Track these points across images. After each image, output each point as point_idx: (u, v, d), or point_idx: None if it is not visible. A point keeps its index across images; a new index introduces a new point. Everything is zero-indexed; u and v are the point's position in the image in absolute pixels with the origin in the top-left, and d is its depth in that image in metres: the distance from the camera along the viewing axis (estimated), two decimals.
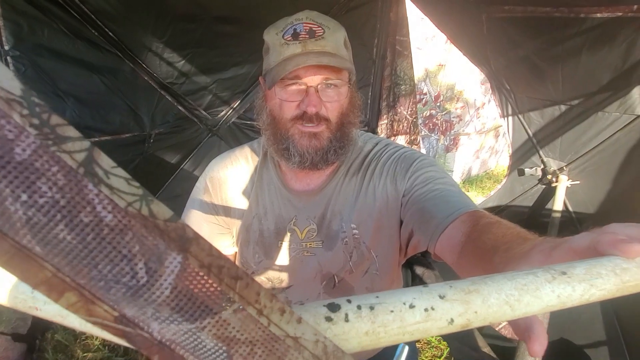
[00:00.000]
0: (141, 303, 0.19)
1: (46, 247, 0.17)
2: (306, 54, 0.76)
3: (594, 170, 1.81)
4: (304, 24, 0.78)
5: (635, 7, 1.29)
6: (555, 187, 1.95)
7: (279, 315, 0.21)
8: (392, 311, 0.25)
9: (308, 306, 0.24)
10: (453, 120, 4.44)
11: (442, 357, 2.13)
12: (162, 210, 0.18)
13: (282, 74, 0.76)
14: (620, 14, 1.34)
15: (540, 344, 0.32)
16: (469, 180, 4.83)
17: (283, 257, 0.91)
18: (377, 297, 0.26)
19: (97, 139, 1.84)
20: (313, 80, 0.78)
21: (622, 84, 1.51)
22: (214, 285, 0.19)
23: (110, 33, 1.75)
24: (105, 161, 0.17)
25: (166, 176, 2.21)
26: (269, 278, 0.93)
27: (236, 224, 0.95)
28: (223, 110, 2.22)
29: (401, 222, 0.84)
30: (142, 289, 0.18)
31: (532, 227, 0.52)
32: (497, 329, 1.95)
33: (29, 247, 0.17)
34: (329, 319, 0.24)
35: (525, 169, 2.11)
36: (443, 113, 4.31)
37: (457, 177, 4.68)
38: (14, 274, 0.18)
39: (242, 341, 0.20)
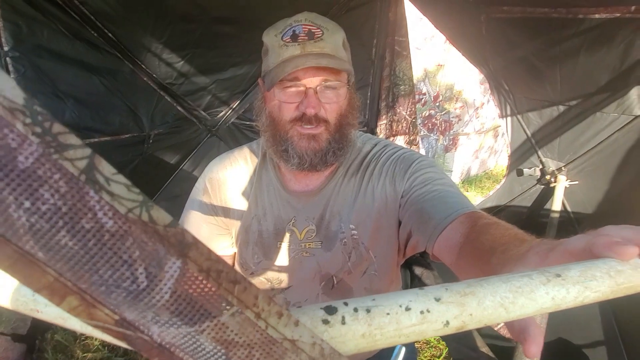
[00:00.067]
0: (141, 307, 0.19)
1: (48, 253, 0.17)
2: (305, 56, 0.77)
3: (592, 170, 1.82)
4: (303, 26, 0.79)
5: (633, 8, 1.29)
6: (554, 187, 1.96)
7: (276, 318, 0.21)
8: (388, 314, 0.25)
9: (305, 309, 0.25)
10: (452, 120, 4.44)
11: (441, 357, 2.14)
12: (161, 215, 0.19)
13: (281, 75, 0.76)
14: (618, 14, 1.34)
15: (536, 345, 0.32)
16: (468, 180, 4.84)
17: (282, 258, 0.91)
18: (374, 299, 0.26)
19: (96, 140, 1.85)
20: (312, 81, 0.78)
21: (620, 84, 1.51)
22: (213, 289, 0.20)
23: (109, 34, 1.75)
24: (106, 168, 0.18)
25: (165, 176, 2.22)
26: (268, 279, 0.93)
27: (235, 225, 0.95)
28: (222, 111, 2.22)
29: (400, 223, 0.84)
30: (142, 294, 0.19)
31: (531, 227, 0.52)
32: (495, 328, 1.96)
33: (32, 252, 0.17)
34: (326, 322, 0.24)
35: (524, 169, 2.11)
36: (442, 113, 4.31)
37: (456, 177, 4.69)
38: (17, 279, 0.18)
39: (241, 344, 0.20)
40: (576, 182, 1.89)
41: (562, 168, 1.94)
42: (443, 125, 4.38)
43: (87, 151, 0.17)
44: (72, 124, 1.75)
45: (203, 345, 0.20)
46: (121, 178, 0.18)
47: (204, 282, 0.20)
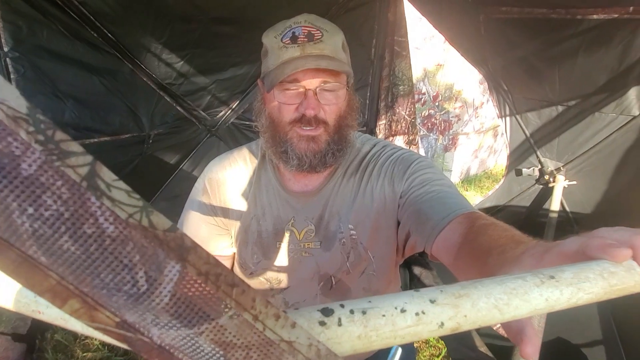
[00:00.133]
0: (142, 310, 0.19)
1: (51, 257, 0.17)
2: (305, 57, 0.77)
3: (590, 170, 1.83)
4: (303, 27, 0.79)
5: (632, 9, 1.30)
6: (553, 187, 1.96)
7: (273, 320, 0.22)
8: (384, 315, 0.26)
9: (302, 311, 0.25)
10: (452, 120, 4.45)
11: (440, 356, 2.14)
12: (161, 221, 0.19)
13: (281, 77, 0.77)
14: (616, 15, 1.35)
15: (531, 346, 0.32)
16: (468, 179, 4.84)
17: (281, 258, 0.92)
18: (370, 301, 0.26)
19: (96, 140, 1.85)
20: (311, 83, 0.79)
21: (619, 85, 1.52)
22: (211, 292, 0.20)
23: (109, 34, 1.75)
24: (107, 174, 0.18)
25: (165, 176, 2.22)
26: (267, 279, 0.93)
27: (235, 225, 0.95)
28: (222, 111, 2.23)
29: (398, 223, 0.85)
30: (142, 297, 0.19)
31: (530, 227, 0.53)
32: (494, 328, 1.96)
33: (35, 257, 0.17)
34: (322, 323, 0.25)
35: (523, 169, 2.12)
36: (442, 113, 4.32)
37: (455, 176, 4.69)
38: (20, 282, 0.18)
39: (239, 346, 0.21)
40: (575, 182, 1.90)
41: (561, 168, 1.95)
42: (442, 124, 4.38)
43: (89, 158, 0.18)
44: (72, 124, 1.75)
45: (202, 347, 0.21)
46: (122, 184, 0.19)
47: (203, 285, 0.20)
